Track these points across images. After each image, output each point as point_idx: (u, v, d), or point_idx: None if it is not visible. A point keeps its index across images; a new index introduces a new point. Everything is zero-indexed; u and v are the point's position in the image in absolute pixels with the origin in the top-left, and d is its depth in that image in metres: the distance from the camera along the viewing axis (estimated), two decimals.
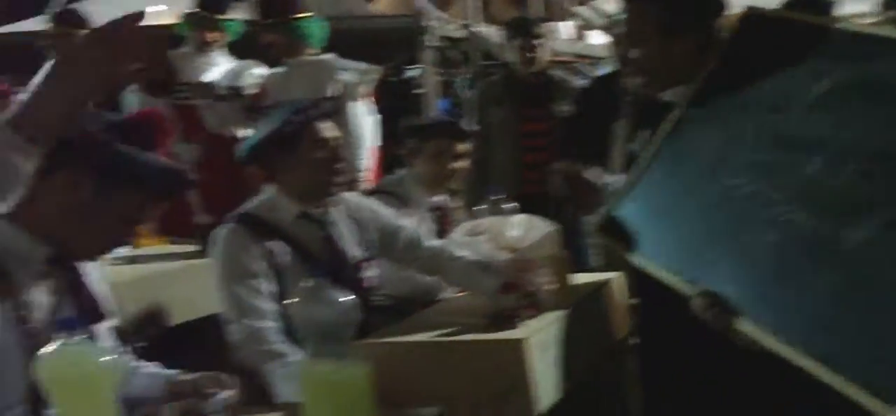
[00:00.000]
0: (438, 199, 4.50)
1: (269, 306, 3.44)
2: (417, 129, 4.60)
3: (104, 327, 2.47)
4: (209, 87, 5.98)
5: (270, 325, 3.41)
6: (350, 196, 3.86)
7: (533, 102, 5.91)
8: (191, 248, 4.86)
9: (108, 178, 2.42)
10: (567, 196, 3.40)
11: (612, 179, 3.25)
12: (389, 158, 4.93)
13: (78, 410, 1.60)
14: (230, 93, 5.89)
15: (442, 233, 4.37)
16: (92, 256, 2.54)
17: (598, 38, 9.49)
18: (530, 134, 5.90)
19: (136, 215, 2.52)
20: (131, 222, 2.54)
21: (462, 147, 4.53)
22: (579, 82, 6.10)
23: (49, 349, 1.65)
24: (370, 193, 4.19)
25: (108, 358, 1.65)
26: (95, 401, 1.60)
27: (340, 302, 2.15)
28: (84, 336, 1.67)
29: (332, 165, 3.61)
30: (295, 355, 3.23)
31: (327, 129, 3.64)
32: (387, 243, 3.80)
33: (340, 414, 2.10)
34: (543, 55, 6.02)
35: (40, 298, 2.38)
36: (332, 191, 3.65)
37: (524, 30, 6.01)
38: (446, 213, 4.54)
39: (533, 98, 5.91)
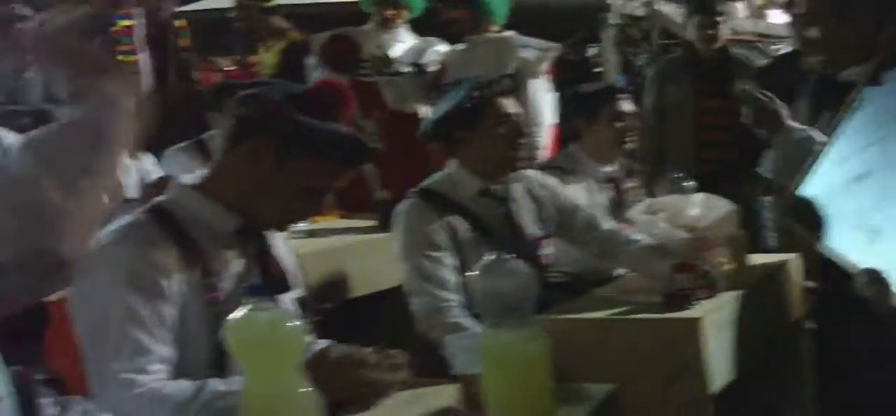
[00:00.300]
0: (611, 169, 4.50)
1: (451, 279, 3.49)
2: (587, 96, 4.61)
3: (288, 298, 2.52)
4: (389, 62, 6.07)
5: (452, 298, 3.46)
6: (530, 173, 3.88)
7: (712, 81, 5.82)
8: (367, 223, 4.93)
9: (290, 148, 2.44)
10: (754, 121, 3.34)
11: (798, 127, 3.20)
12: (565, 135, 4.93)
13: (265, 374, 1.66)
14: (412, 69, 5.96)
15: (616, 203, 4.38)
16: (277, 226, 2.58)
17: (778, 17, 9.30)
18: (708, 112, 5.82)
19: (319, 185, 2.52)
20: (314, 193, 2.54)
21: (631, 112, 4.49)
22: (760, 61, 6.01)
23: (237, 314, 1.72)
24: (541, 168, 4.21)
25: (294, 323, 1.70)
26: (282, 366, 1.66)
27: (521, 274, 2.16)
28: (271, 302, 1.73)
29: (514, 141, 3.63)
30: (474, 328, 3.29)
31: (510, 105, 3.67)
32: (564, 223, 3.81)
33: (519, 385, 2.12)
34: (724, 33, 5.95)
35: (228, 266, 2.45)
36: (514, 167, 3.68)
37: (705, 7, 5.90)
38: (619, 183, 4.54)
39: (712, 76, 5.83)
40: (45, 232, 1.59)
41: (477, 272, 2.18)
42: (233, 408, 2.21)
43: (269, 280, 2.47)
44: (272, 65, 6.60)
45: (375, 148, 2.55)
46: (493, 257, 2.17)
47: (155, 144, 5.38)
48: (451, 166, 3.69)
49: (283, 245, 2.64)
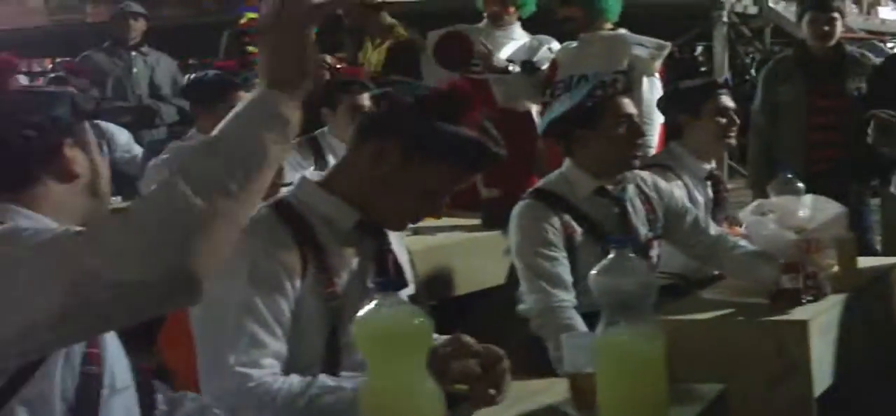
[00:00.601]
0: (711, 166, 4.51)
1: (565, 278, 3.52)
2: (689, 92, 4.60)
3: (404, 294, 2.58)
4: (498, 61, 6.10)
5: (567, 297, 3.49)
6: (642, 174, 3.88)
7: (825, 80, 5.76)
8: (472, 221, 4.96)
9: (416, 150, 2.47)
10: (882, 143, 3.32)
11: None
12: (668, 132, 4.94)
13: (391, 368, 1.73)
14: (525, 67, 6.01)
15: (716, 202, 4.39)
16: (397, 224, 2.62)
17: (890, 13, 9.14)
18: (820, 111, 5.76)
19: (441, 187, 2.54)
20: (436, 194, 2.55)
21: (733, 108, 4.46)
22: (875, 60, 5.94)
23: (366, 309, 1.80)
24: (643, 167, 4.24)
25: (423, 319, 1.77)
26: (408, 360, 1.72)
27: (642, 273, 2.19)
28: (400, 298, 1.80)
29: (632, 141, 3.64)
30: (585, 328, 3.35)
31: (628, 104, 3.70)
32: (672, 225, 3.82)
33: (636, 384, 2.14)
34: (838, 30, 5.87)
35: (345, 262, 2.50)
36: (630, 166, 3.70)
37: (820, 3, 5.79)
38: (720, 180, 4.55)
39: (825, 75, 5.76)
40: (180, 250, 1.65)
41: (598, 270, 2.19)
42: (342, 403, 2.28)
43: (385, 277, 2.52)
44: (378, 63, 6.68)
45: (499, 153, 2.56)
46: (615, 254, 2.19)
47: None
48: (567, 166, 3.71)
49: (398, 242, 2.69)
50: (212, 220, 1.68)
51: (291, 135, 1.83)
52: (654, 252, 3.74)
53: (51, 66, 9.93)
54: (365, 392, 1.76)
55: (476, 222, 4.90)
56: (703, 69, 8.18)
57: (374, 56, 6.77)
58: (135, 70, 7.75)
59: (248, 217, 1.77)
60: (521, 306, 3.62)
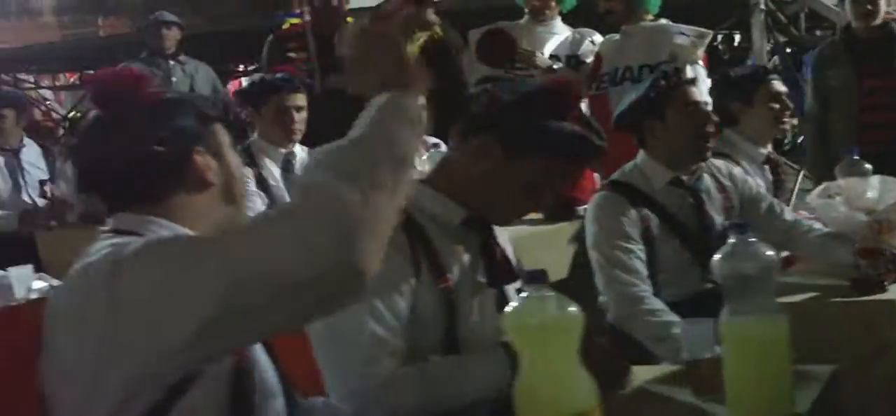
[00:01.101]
0: (769, 150, 4.51)
1: (643, 270, 3.54)
2: (740, 79, 4.61)
3: (513, 288, 2.58)
4: (541, 59, 6.11)
5: (646, 288, 3.51)
6: (717, 162, 3.90)
7: (874, 60, 5.77)
8: (535, 215, 4.97)
9: (519, 146, 2.49)
10: None
11: None
12: (721, 120, 4.94)
13: (545, 359, 1.74)
14: (569, 62, 6.02)
15: (777, 184, 4.40)
16: (502, 219, 2.64)
17: None
18: (871, 92, 5.77)
19: (545, 181, 2.56)
20: (539, 189, 2.57)
21: (784, 92, 4.50)
22: None
23: (517, 301, 1.80)
24: None
25: (574, 308, 1.78)
26: (562, 350, 1.74)
27: (764, 257, 2.19)
28: (546, 290, 1.81)
29: (701, 130, 3.67)
30: (668, 316, 3.37)
31: (696, 93, 3.71)
32: (748, 211, 3.84)
33: (762, 366, 2.15)
34: (882, 9, 5.86)
35: (455, 258, 2.53)
36: (703, 156, 3.72)
37: None
38: (778, 163, 4.55)
39: (874, 56, 5.77)
40: (346, 244, 1.65)
41: (721, 255, 2.20)
42: (471, 372, 2.36)
43: (493, 272, 2.56)
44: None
45: (602, 146, 2.57)
46: (736, 239, 2.20)
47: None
48: (641, 157, 3.74)
49: (503, 237, 2.70)
50: (371, 214, 1.69)
51: (421, 129, 1.86)
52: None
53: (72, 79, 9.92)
54: (519, 384, 1.77)
55: (538, 216, 4.91)
56: (745, 56, 8.16)
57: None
58: (174, 79, 7.70)
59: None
60: (601, 298, 3.63)
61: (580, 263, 3.94)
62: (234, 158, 2.13)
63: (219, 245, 1.74)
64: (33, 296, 4.20)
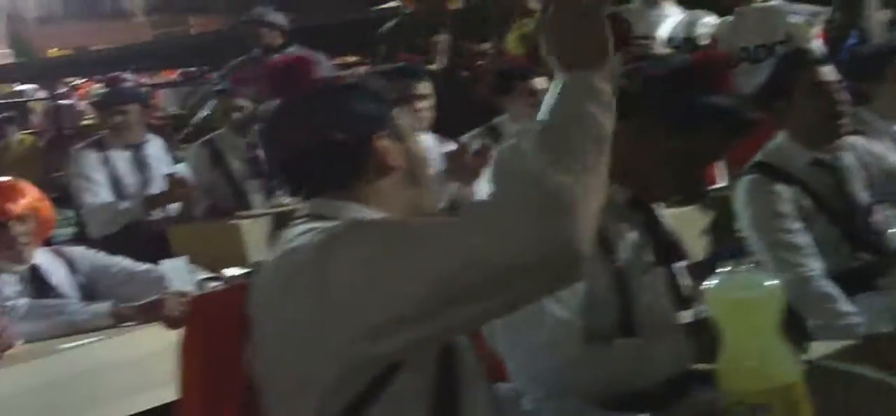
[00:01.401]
0: None
1: (810, 247, 3.52)
2: (869, 57, 4.60)
3: (681, 266, 2.57)
4: (655, 45, 6.10)
5: (816, 266, 3.49)
6: (858, 140, 3.87)
7: None
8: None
9: (676, 122, 2.47)
10: None
11: None
12: (852, 99, 4.89)
13: (748, 334, 1.76)
14: (686, 45, 6.01)
15: None
16: (665, 197, 2.62)
17: None
18: None
19: (703, 156, 2.55)
20: (701, 164, 2.56)
21: None
22: None
23: (717, 278, 1.81)
24: None
25: (775, 282, 1.80)
26: (764, 324, 1.75)
27: None
28: (749, 264, 1.82)
29: (833, 109, 3.64)
30: (841, 296, 3.36)
31: (825, 72, 3.68)
32: (892, 188, 3.79)
33: None
34: None
35: (623, 237, 2.50)
36: (839, 135, 3.69)
37: None
38: None
39: None
40: (565, 225, 1.68)
41: None
42: (650, 361, 2.37)
43: (659, 250, 2.55)
44: (515, 48, 6.68)
45: (754, 119, 2.56)
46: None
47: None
48: (782, 137, 3.72)
49: (665, 215, 2.69)
50: (583, 195, 1.71)
51: (610, 106, 1.86)
52: (877, 217, 3.70)
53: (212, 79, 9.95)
54: (723, 359, 1.78)
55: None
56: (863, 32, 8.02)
57: (511, 41, 6.77)
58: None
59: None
60: None
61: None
62: (415, 143, 2.15)
63: (444, 229, 1.77)
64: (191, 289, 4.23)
